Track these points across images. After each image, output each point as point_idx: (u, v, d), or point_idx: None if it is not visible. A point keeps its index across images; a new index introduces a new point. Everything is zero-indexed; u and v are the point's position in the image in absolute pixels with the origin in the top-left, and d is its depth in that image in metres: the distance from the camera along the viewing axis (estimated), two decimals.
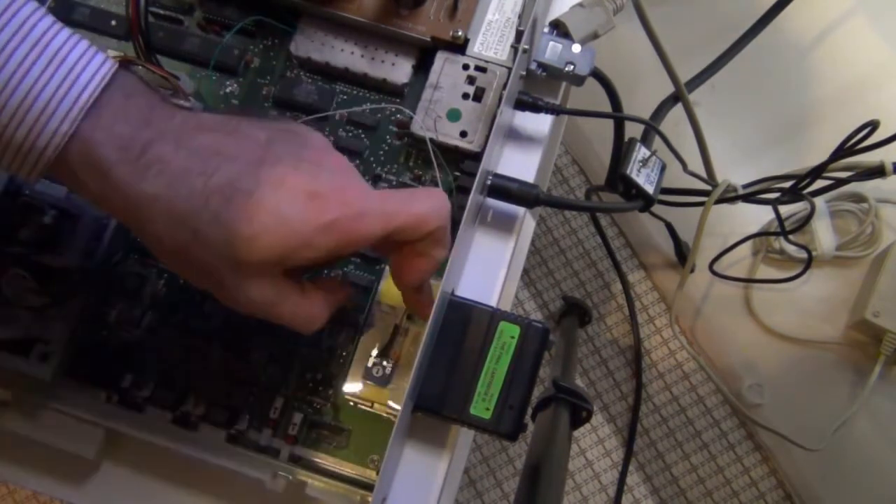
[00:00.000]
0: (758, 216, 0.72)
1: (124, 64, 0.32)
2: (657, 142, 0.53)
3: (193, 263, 0.31)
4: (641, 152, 0.50)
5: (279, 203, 0.30)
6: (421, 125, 0.43)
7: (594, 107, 0.45)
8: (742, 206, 0.68)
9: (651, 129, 0.53)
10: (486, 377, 0.37)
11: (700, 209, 0.62)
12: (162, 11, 0.46)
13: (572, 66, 0.43)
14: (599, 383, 0.72)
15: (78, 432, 0.41)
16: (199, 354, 0.43)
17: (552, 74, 0.43)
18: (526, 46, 0.40)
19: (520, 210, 0.42)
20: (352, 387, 0.39)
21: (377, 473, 0.39)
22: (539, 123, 0.44)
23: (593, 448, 0.70)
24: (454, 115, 0.43)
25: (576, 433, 0.69)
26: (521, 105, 0.43)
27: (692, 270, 0.68)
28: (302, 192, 0.31)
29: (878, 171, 0.62)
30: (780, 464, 0.69)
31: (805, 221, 0.64)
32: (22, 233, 0.40)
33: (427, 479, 0.38)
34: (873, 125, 0.56)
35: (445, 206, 0.35)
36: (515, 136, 0.44)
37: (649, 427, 0.71)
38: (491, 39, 0.44)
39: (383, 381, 0.39)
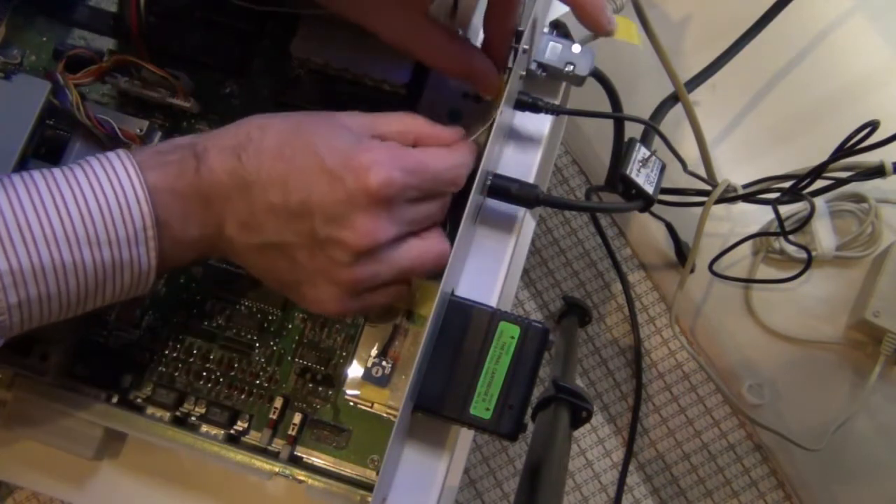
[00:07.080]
0: (758, 216, 0.72)
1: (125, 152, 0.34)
2: (657, 142, 0.53)
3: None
4: (641, 152, 0.50)
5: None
6: None
7: (594, 107, 0.45)
8: (742, 206, 0.68)
9: (651, 129, 0.53)
10: (485, 377, 0.37)
11: (700, 209, 0.62)
12: (162, 11, 0.46)
13: (572, 66, 0.42)
14: (599, 383, 0.72)
15: (78, 432, 0.41)
16: (199, 354, 0.43)
17: (552, 74, 0.43)
18: (526, 46, 0.40)
19: (520, 210, 0.42)
20: (352, 387, 0.39)
21: (377, 473, 0.39)
22: (539, 123, 0.44)
23: (593, 448, 0.70)
24: (454, 115, 0.43)
25: (576, 433, 0.69)
26: (521, 105, 0.43)
27: (692, 270, 0.68)
28: None
29: (878, 171, 0.62)
30: (780, 464, 0.69)
31: (805, 221, 0.64)
32: None
33: (427, 479, 0.38)
34: (873, 125, 0.56)
35: None
36: (515, 136, 0.44)
37: (649, 427, 0.71)
38: None
39: (383, 382, 0.39)
